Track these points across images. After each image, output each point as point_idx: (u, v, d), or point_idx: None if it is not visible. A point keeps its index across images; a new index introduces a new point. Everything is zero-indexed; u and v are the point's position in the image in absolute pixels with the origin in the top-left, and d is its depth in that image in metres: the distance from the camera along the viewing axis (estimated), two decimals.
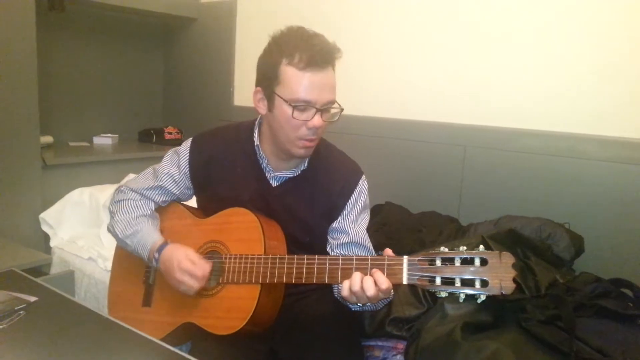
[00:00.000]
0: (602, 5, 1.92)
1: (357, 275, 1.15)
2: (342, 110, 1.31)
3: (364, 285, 1.13)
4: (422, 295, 1.67)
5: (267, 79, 1.27)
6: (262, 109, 1.33)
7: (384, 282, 1.12)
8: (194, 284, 1.30)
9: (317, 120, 1.26)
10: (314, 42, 1.23)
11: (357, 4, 2.58)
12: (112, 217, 1.50)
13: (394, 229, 2.12)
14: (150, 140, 3.38)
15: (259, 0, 3.01)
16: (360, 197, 1.43)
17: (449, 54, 2.31)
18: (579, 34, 1.98)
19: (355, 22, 2.59)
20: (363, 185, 1.44)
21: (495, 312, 1.48)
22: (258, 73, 1.32)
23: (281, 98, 1.25)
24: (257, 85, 1.32)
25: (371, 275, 1.14)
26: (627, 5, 1.88)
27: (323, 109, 1.26)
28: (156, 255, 1.37)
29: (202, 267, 1.31)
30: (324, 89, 1.24)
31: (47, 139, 2.82)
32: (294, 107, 1.24)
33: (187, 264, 1.30)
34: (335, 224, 1.42)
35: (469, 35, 2.25)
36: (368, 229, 1.47)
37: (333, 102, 1.28)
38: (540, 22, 2.06)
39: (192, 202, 1.57)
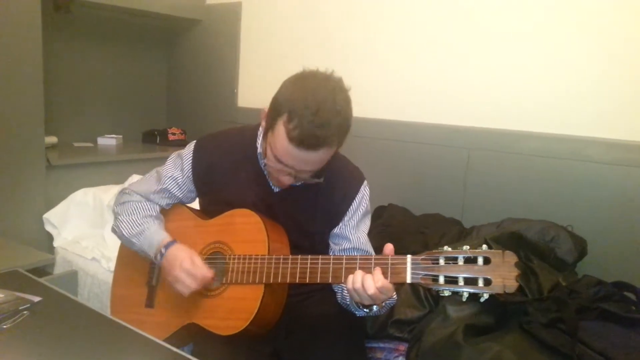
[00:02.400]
0: (606, 7, 1.92)
1: (358, 273, 1.16)
2: (319, 181, 1.30)
3: (364, 283, 1.14)
4: (424, 297, 1.67)
5: (271, 115, 1.24)
6: (263, 126, 1.33)
7: (379, 280, 1.13)
8: (191, 284, 1.30)
9: (286, 179, 1.28)
10: (316, 121, 1.15)
11: (360, 6, 2.58)
12: (116, 218, 1.50)
13: (397, 231, 2.12)
14: (154, 141, 3.38)
15: (263, 2, 3.02)
16: (362, 204, 1.43)
17: (453, 56, 2.31)
18: (583, 37, 1.98)
19: (359, 24, 2.59)
20: (365, 191, 1.44)
21: (498, 315, 1.48)
22: (276, 95, 1.25)
23: (269, 142, 1.26)
24: (270, 105, 1.27)
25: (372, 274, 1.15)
26: (631, 7, 1.88)
27: (297, 175, 1.26)
28: (163, 250, 1.36)
29: (203, 271, 1.31)
30: (305, 163, 1.23)
31: (52, 139, 2.83)
32: (271, 160, 1.25)
33: (188, 264, 1.30)
34: (336, 230, 1.42)
35: (471, 38, 2.25)
36: (370, 231, 1.48)
37: (311, 172, 1.27)
38: (544, 24, 2.06)
39: (195, 204, 1.58)
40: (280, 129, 1.20)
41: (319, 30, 2.73)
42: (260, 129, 1.40)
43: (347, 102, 1.23)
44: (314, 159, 1.22)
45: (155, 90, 3.58)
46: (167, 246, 1.37)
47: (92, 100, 3.21)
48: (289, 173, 1.26)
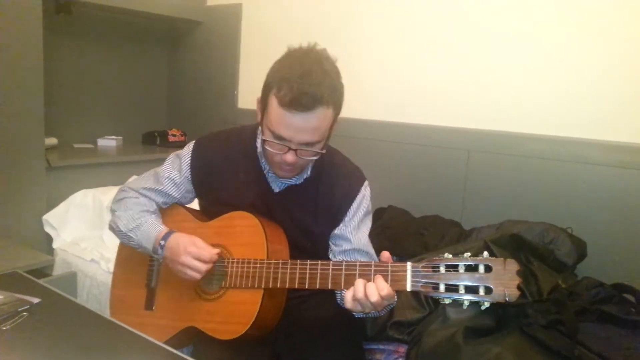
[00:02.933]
0: (607, 8, 1.92)
1: (359, 282, 1.14)
2: (322, 153, 1.27)
3: (367, 291, 1.12)
4: (423, 299, 1.67)
5: (263, 97, 1.25)
6: (258, 117, 1.32)
7: (384, 288, 1.12)
8: (201, 267, 1.29)
9: (288, 157, 1.24)
10: (306, 81, 1.15)
11: (359, 6, 2.59)
12: (113, 214, 1.50)
13: (397, 233, 2.12)
14: (154, 143, 3.38)
15: (264, 4, 3.02)
16: (363, 204, 1.42)
17: (452, 57, 2.31)
18: (583, 38, 1.98)
19: (360, 26, 2.60)
20: (365, 191, 1.43)
21: (497, 317, 1.48)
22: (265, 79, 1.26)
23: (265, 123, 1.26)
24: (261, 91, 1.28)
25: (374, 281, 1.14)
26: (631, 8, 1.88)
27: (298, 148, 1.23)
28: (162, 242, 1.36)
29: (209, 250, 1.30)
30: (302, 130, 1.20)
31: (52, 140, 2.83)
32: (270, 138, 1.24)
33: (193, 248, 1.30)
34: (337, 231, 1.41)
35: (471, 39, 2.25)
36: (370, 233, 1.47)
37: (312, 143, 1.23)
38: (544, 25, 2.06)
39: (194, 205, 1.58)
40: (272, 102, 1.20)
41: (319, 32, 2.73)
42: (259, 129, 1.40)
43: (335, 67, 1.23)
44: (311, 124, 1.19)
45: (155, 92, 3.58)
46: (165, 237, 1.36)
47: (92, 101, 3.21)
48: (289, 149, 1.23)
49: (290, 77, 1.16)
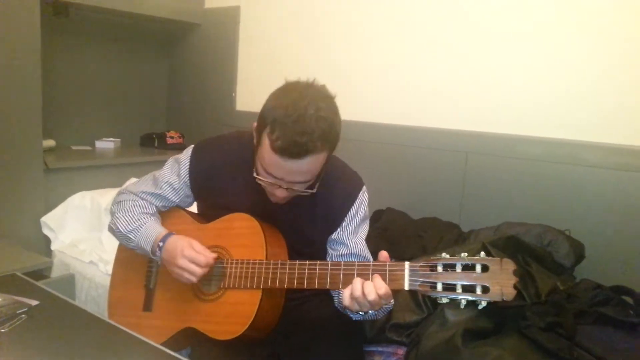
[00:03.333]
0: (605, 10, 1.92)
1: (357, 281, 1.15)
2: (312, 192, 1.28)
3: (365, 290, 1.13)
4: (422, 301, 1.67)
5: (258, 128, 1.24)
6: (255, 140, 1.30)
7: (382, 287, 1.12)
8: (196, 270, 1.29)
9: (279, 192, 1.25)
10: (299, 128, 1.13)
11: (357, 9, 2.59)
12: (113, 215, 1.50)
13: (395, 235, 2.12)
14: (152, 145, 3.38)
15: (261, 6, 3.03)
16: (360, 209, 1.42)
17: (450, 59, 2.32)
18: (583, 39, 1.98)
19: (357, 28, 2.60)
20: (363, 197, 1.43)
21: (496, 319, 1.48)
22: (261, 110, 1.24)
23: (258, 156, 1.25)
24: (257, 120, 1.26)
25: (372, 280, 1.14)
26: (631, 8, 1.88)
27: (289, 187, 1.24)
28: (160, 244, 1.36)
29: (205, 255, 1.30)
30: (292, 173, 1.20)
31: (50, 142, 2.83)
32: (261, 173, 1.24)
33: (190, 251, 1.30)
34: (334, 236, 1.42)
35: (470, 41, 2.25)
36: (369, 235, 1.47)
37: (303, 183, 1.24)
38: (543, 27, 2.06)
39: (193, 208, 1.58)
40: (265, 142, 1.19)
41: (317, 34, 2.74)
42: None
43: (331, 108, 1.21)
44: (302, 168, 1.20)
45: (153, 94, 3.58)
46: (164, 239, 1.36)
47: (90, 103, 3.20)
48: (280, 186, 1.24)
49: (284, 122, 1.15)
